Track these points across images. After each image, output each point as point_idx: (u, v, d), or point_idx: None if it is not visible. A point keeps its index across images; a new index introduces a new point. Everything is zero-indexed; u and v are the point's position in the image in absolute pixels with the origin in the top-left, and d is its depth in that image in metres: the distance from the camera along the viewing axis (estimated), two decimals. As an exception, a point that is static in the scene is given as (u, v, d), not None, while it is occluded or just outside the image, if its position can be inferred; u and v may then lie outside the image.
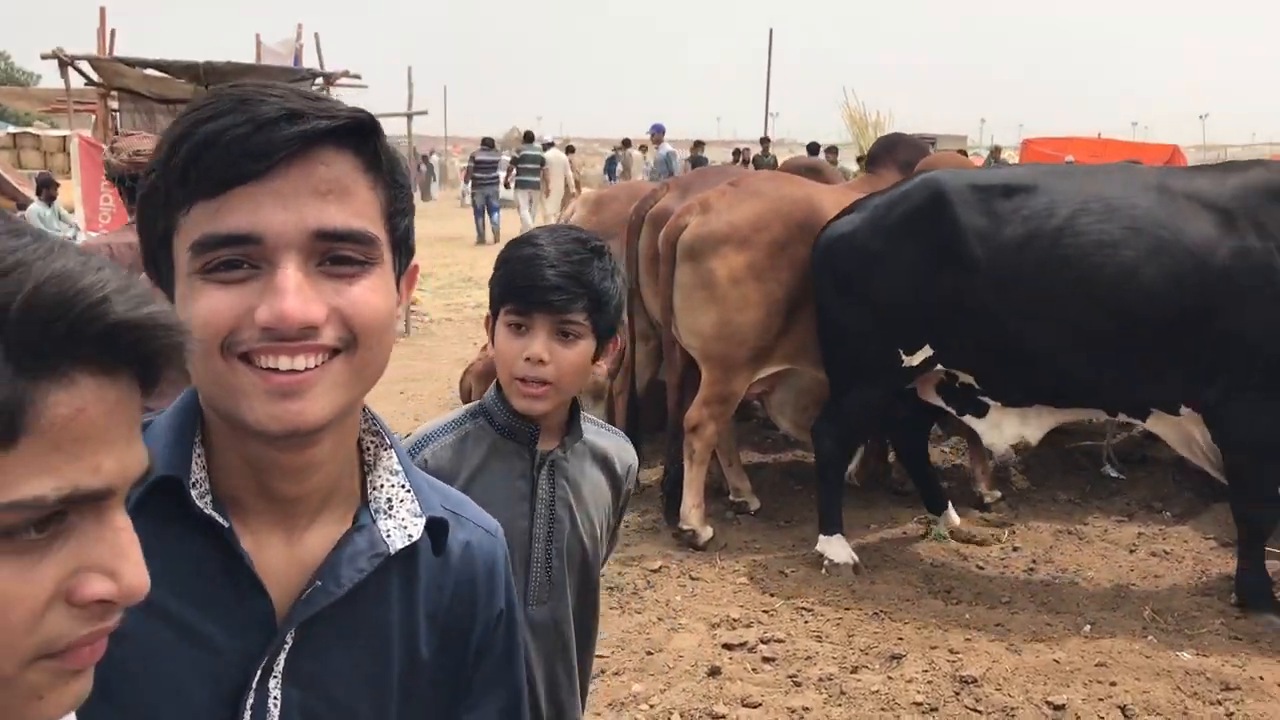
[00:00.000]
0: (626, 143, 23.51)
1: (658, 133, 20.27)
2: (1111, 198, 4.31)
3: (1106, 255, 4.22)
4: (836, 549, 4.85)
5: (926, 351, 4.62)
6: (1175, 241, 4.20)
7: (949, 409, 4.89)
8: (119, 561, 0.67)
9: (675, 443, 5.27)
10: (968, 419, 4.84)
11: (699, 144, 21.93)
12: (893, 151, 6.27)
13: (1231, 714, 3.59)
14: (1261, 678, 3.84)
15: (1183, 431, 4.51)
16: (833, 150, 20.01)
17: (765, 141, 23.94)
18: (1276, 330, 4.11)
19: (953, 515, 5.37)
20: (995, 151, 25.96)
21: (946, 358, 4.65)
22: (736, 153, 22.35)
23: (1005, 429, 4.74)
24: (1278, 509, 4.42)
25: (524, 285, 1.77)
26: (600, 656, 3.87)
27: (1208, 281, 4.16)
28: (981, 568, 4.97)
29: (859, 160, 15.91)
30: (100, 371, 0.64)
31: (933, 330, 4.57)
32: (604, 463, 1.95)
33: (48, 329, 0.61)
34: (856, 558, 4.84)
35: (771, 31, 34.53)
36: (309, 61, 12.35)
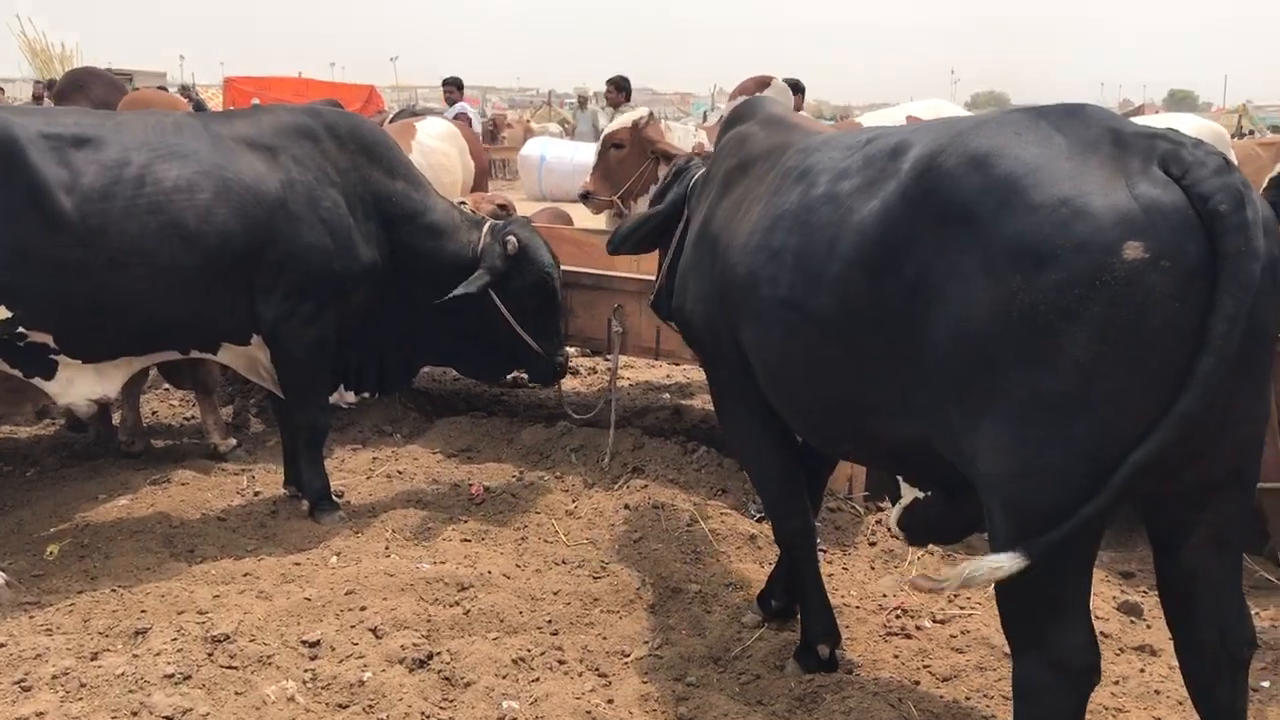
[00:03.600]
0: None
1: None
2: (178, 144, 4.41)
3: (186, 199, 4.32)
4: None
5: (3, 313, 4.13)
6: (238, 180, 4.46)
7: (13, 371, 4.42)
8: None
9: None
10: (36, 381, 4.46)
11: None
12: (85, 89, 5.71)
13: (469, 611, 3.91)
14: (490, 572, 4.23)
15: (250, 358, 4.82)
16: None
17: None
18: (320, 254, 4.60)
19: None
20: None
21: (27, 318, 4.21)
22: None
23: (79, 386, 4.51)
24: (327, 413, 5.02)
25: None
26: None
27: (266, 216, 4.50)
28: (224, 519, 4.82)
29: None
30: None
31: (12, 290, 4.11)
32: None
33: None
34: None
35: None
36: None
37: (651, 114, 7.20)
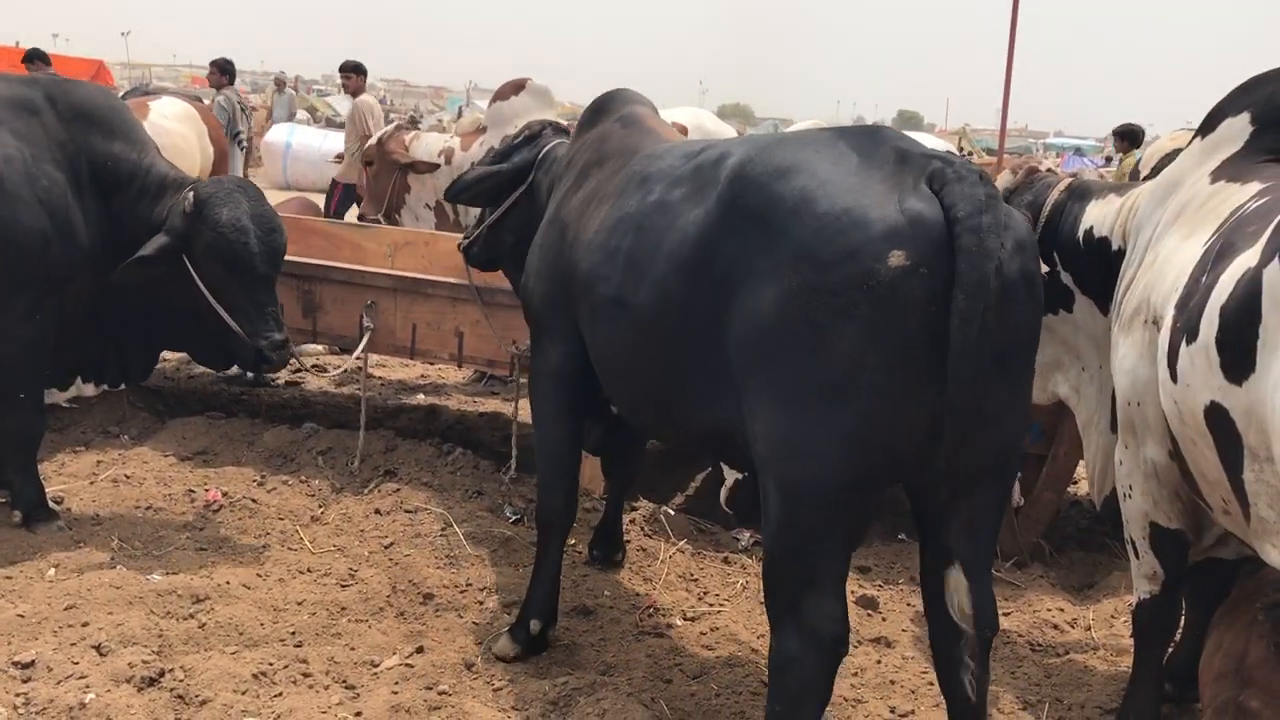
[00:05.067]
0: None
1: None
2: None
3: None
4: None
5: None
6: None
7: None
8: None
9: None
10: None
11: None
12: None
13: (204, 624, 3.68)
14: (229, 582, 3.99)
15: None
16: None
17: None
18: (38, 238, 4.18)
19: None
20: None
21: None
22: None
23: None
24: (44, 414, 4.58)
25: None
26: None
27: None
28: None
29: None
30: None
31: None
32: None
33: None
34: None
35: None
36: None
37: (399, 126, 7.28)
